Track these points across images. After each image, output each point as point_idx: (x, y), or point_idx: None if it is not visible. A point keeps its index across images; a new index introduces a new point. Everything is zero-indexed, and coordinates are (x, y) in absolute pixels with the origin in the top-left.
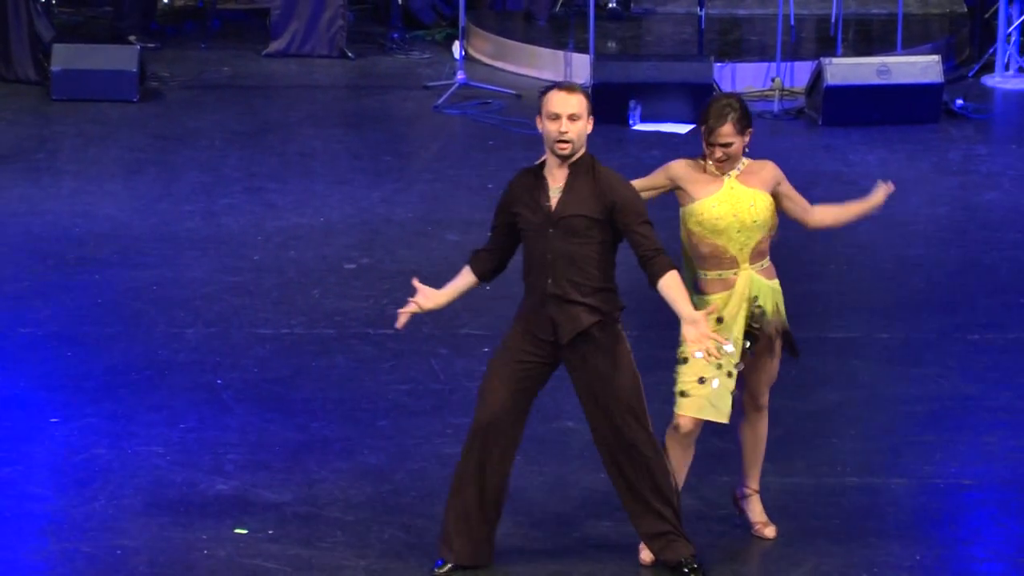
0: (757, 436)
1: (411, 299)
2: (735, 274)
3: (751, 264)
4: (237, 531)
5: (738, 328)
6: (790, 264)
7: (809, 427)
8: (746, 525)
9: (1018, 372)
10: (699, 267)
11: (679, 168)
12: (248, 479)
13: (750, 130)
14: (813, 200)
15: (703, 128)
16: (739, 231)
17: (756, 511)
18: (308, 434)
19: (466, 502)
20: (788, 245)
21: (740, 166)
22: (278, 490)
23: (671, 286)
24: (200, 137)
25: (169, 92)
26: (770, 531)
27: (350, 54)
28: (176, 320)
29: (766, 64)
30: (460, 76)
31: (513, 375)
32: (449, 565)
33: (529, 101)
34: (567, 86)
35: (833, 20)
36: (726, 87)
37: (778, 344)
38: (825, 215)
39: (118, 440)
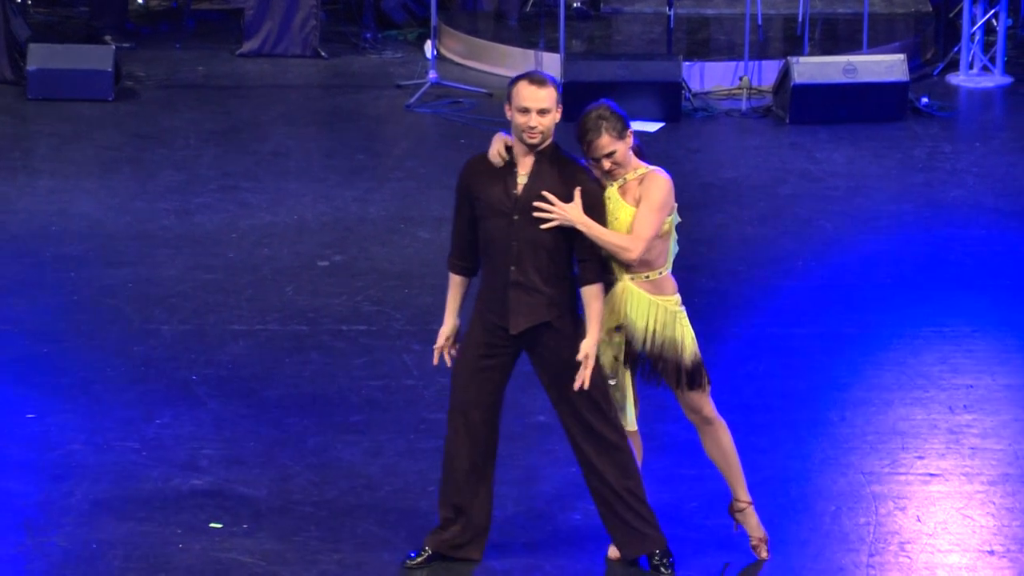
0: (721, 449)
1: (437, 344)
2: (614, 284)
3: (629, 274)
4: (212, 525)
5: (610, 340)
6: (757, 260)
7: (776, 422)
8: (720, 521)
9: (981, 364)
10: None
11: None
12: (223, 474)
13: (629, 132)
14: (779, 197)
15: (582, 146)
16: None
17: (751, 525)
18: (282, 429)
19: (461, 471)
20: (756, 240)
21: (631, 175)
22: (252, 485)
23: (588, 302)
24: (175, 136)
25: (144, 91)
26: (763, 552)
27: (323, 53)
28: (151, 317)
29: (734, 63)
30: (432, 75)
31: (479, 368)
32: (424, 555)
33: (500, 100)
34: (537, 79)
35: (800, 19)
36: (695, 86)
37: (674, 371)
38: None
39: (93, 436)
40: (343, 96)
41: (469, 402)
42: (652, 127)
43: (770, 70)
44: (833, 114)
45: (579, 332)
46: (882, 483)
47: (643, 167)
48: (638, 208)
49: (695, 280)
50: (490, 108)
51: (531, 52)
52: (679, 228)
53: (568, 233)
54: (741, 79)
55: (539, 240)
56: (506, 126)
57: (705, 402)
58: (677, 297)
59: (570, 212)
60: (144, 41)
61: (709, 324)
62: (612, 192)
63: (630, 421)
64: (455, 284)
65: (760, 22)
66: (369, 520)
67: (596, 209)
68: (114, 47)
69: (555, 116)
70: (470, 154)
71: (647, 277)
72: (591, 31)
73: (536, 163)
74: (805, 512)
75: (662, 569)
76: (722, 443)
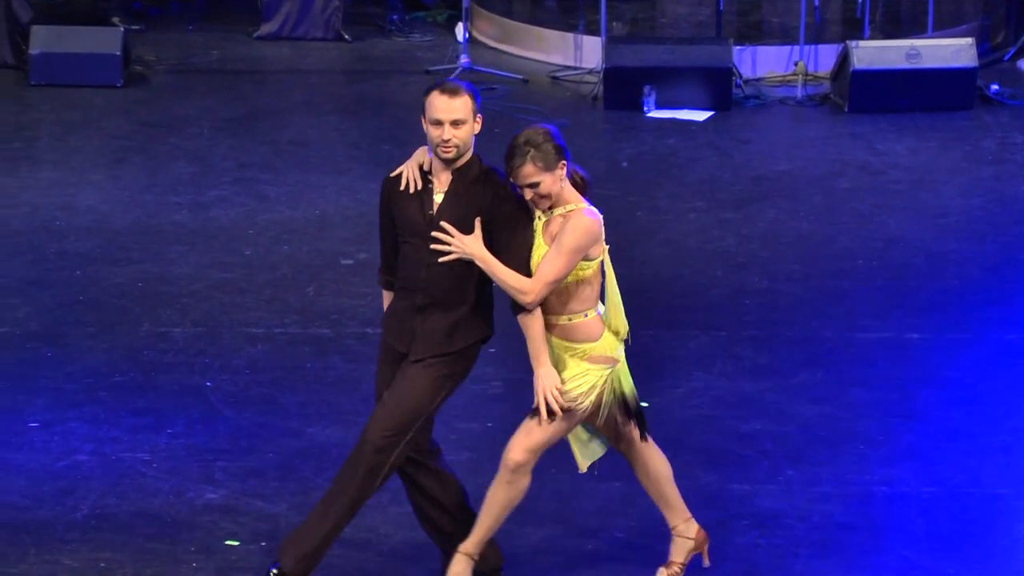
0: (646, 475)
1: None
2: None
3: (549, 316)
4: (228, 543)
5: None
6: (813, 259)
7: (836, 433)
8: (776, 541)
9: None
10: None
11: None
12: (239, 487)
13: (562, 163)
14: (836, 191)
15: (505, 169)
16: None
17: (672, 550)
18: (303, 440)
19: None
20: (812, 238)
21: (560, 210)
22: (271, 499)
23: (525, 333)
24: (187, 124)
25: (154, 77)
26: None
27: (347, 36)
28: (162, 319)
29: (788, 47)
30: (463, 60)
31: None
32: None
33: (537, 86)
34: (450, 88)
35: (860, 0)
36: (746, 71)
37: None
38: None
39: (101, 446)
40: (368, 82)
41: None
42: (700, 116)
43: (827, 55)
44: (895, 102)
45: (445, 368)
46: (948, 498)
47: (574, 203)
48: (549, 248)
49: (746, 279)
50: (526, 95)
51: (569, 35)
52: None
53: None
54: (796, 64)
55: (450, 265)
56: (543, 114)
57: (625, 430)
58: (586, 347)
59: (468, 245)
60: (154, 23)
61: (762, 327)
62: (538, 225)
63: (582, 458)
64: (387, 300)
65: (817, 3)
66: (396, 537)
67: (515, 234)
68: (122, 29)
69: (472, 127)
70: (503, 144)
71: (559, 320)
72: (635, 12)
73: (453, 181)
74: (865, 529)
75: None
76: (649, 467)
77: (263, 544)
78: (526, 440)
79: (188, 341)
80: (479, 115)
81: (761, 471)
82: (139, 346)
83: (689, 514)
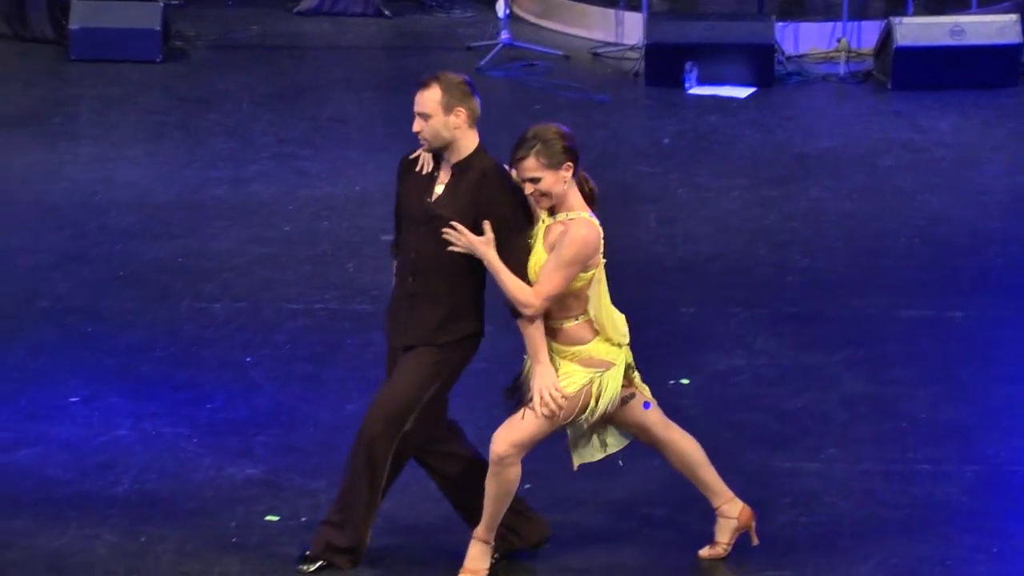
0: (679, 463)
1: None
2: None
3: (546, 321)
4: (268, 519)
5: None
6: (855, 237)
7: (878, 411)
8: (817, 520)
9: None
10: None
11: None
12: (279, 463)
13: (568, 165)
14: (879, 169)
15: (510, 160)
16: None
17: (717, 531)
18: (342, 416)
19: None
20: (854, 216)
21: (562, 216)
22: (311, 475)
23: (523, 334)
24: (227, 100)
25: (194, 52)
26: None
27: (387, 12)
28: (203, 294)
29: (831, 23)
30: (504, 36)
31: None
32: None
33: (578, 63)
34: (423, 80)
35: None
36: (788, 48)
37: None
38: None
39: (141, 421)
40: (408, 58)
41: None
42: (742, 93)
43: (871, 31)
44: (939, 79)
45: (436, 356)
46: (991, 477)
47: (577, 211)
48: (547, 259)
49: (789, 258)
50: (567, 72)
51: (611, 11)
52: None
53: (472, 259)
54: (839, 41)
55: (441, 257)
56: (584, 96)
57: (648, 421)
58: (575, 350)
59: (479, 246)
60: None
61: (804, 305)
62: (539, 229)
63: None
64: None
65: None
66: (434, 513)
67: (509, 238)
68: (162, 4)
69: (442, 120)
70: (544, 121)
71: (553, 324)
72: None
73: (452, 176)
74: (908, 508)
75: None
76: (681, 458)
77: (303, 520)
78: (509, 434)
79: (228, 316)
80: (460, 108)
81: (803, 449)
82: (179, 321)
83: (732, 494)
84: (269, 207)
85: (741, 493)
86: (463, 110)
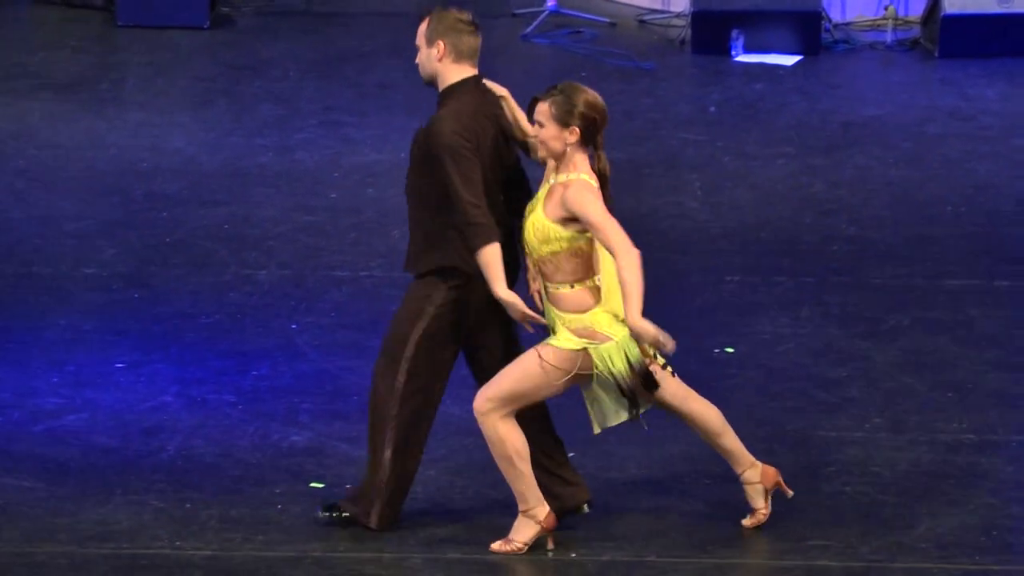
0: (700, 431)
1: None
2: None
3: (545, 281)
4: (313, 485)
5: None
6: (902, 205)
7: (923, 381)
8: (862, 489)
9: None
10: None
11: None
12: (324, 430)
13: (575, 130)
14: (926, 137)
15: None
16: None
17: (750, 498)
18: None
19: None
20: (901, 184)
21: (563, 176)
22: (356, 442)
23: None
24: (273, 67)
25: (241, 18)
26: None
27: None
28: (248, 261)
29: None
30: (550, 3)
31: None
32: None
33: (624, 30)
34: (423, 15)
35: None
36: (835, 15)
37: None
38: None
39: (187, 388)
40: None
41: None
42: (789, 61)
43: None
44: (986, 47)
45: (426, 291)
46: None
47: (577, 173)
48: (543, 217)
49: (835, 226)
50: (613, 39)
51: None
52: None
53: (436, 188)
54: (886, 9)
55: (412, 187)
56: (631, 64)
57: (667, 393)
58: (571, 318)
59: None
60: None
61: (850, 274)
62: (542, 191)
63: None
64: None
65: None
66: (480, 482)
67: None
68: None
69: (425, 52)
70: (592, 88)
71: (549, 287)
72: None
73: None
74: (953, 477)
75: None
76: (701, 426)
77: (347, 487)
78: (486, 388)
79: (273, 284)
80: (441, 41)
81: (848, 418)
82: (225, 288)
83: (752, 459)
84: (314, 174)
85: (785, 461)
86: (443, 43)
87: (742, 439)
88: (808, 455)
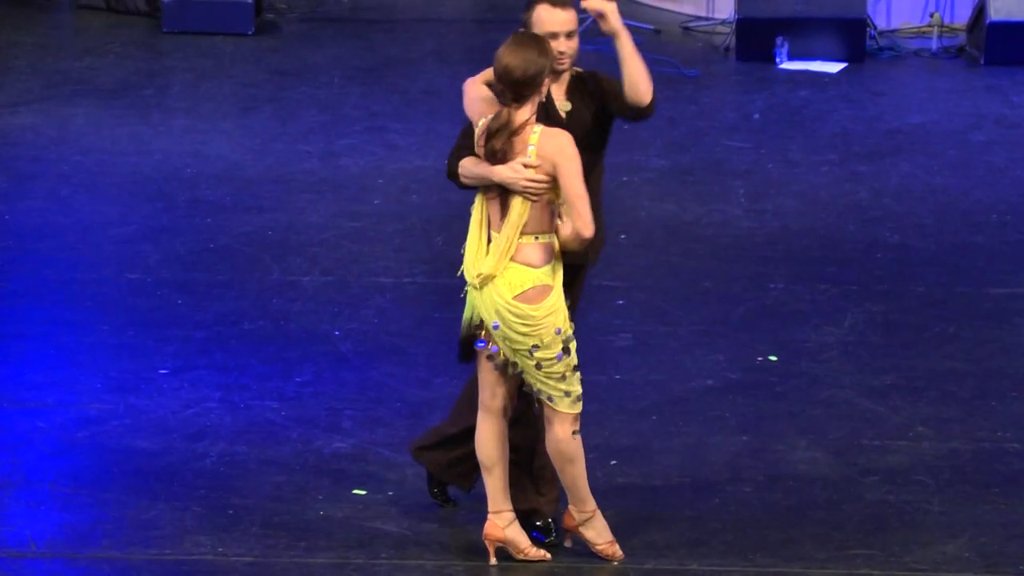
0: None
1: None
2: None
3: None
4: (355, 492)
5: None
6: (946, 213)
7: (967, 389)
8: (906, 498)
9: None
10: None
11: None
12: (367, 437)
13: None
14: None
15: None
16: None
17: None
18: (431, 390)
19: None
20: (945, 192)
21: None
22: (399, 449)
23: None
24: (318, 73)
25: (286, 25)
26: (618, 551)
27: None
28: (292, 267)
29: None
30: None
31: None
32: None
33: (668, 37)
34: (560, 2)
35: None
36: (880, 22)
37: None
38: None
39: (230, 393)
40: (499, 31)
41: None
42: (834, 68)
43: (964, 6)
44: None
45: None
46: None
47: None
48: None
49: (879, 234)
50: (658, 46)
51: None
52: None
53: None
54: (932, 16)
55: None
56: (676, 71)
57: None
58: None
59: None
60: None
61: (894, 282)
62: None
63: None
64: None
65: None
66: (524, 487)
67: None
68: None
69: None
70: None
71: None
72: None
73: (571, 89)
74: (997, 486)
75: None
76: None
77: (390, 494)
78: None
79: (317, 290)
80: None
81: (891, 426)
82: (268, 294)
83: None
84: (359, 181)
85: (828, 470)
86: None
87: (785, 448)
88: (851, 463)
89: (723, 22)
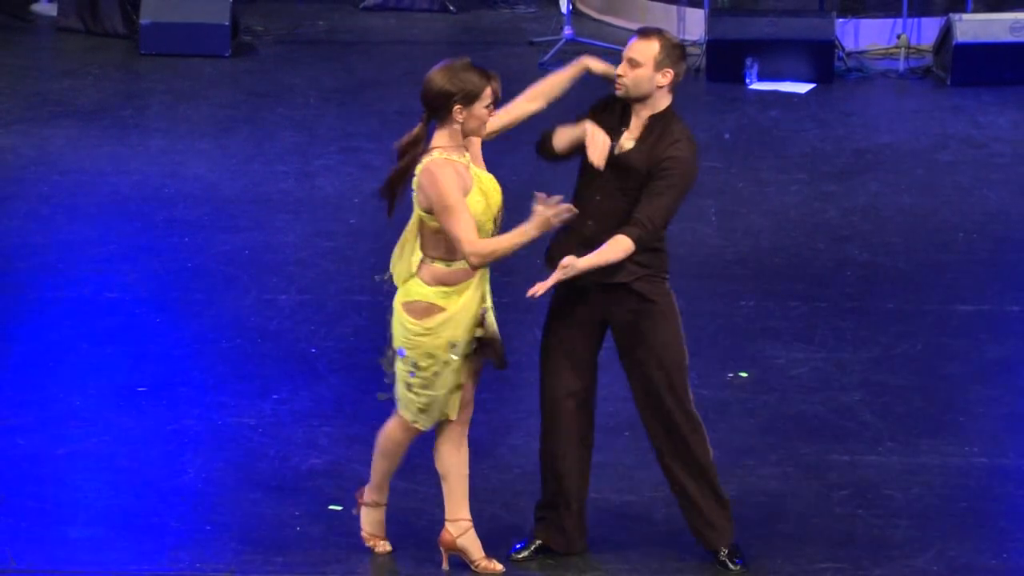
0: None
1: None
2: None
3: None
4: (332, 508)
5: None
6: (914, 232)
7: (935, 405)
8: (875, 512)
9: None
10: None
11: None
12: (343, 453)
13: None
14: (938, 165)
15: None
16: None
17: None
18: None
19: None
20: (913, 211)
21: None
22: None
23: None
24: (294, 94)
25: (262, 47)
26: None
27: (452, 7)
28: (268, 286)
29: (891, 20)
30: (567, 31)
31: (560, 339)
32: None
33: None
34: (645, 31)
35: None
36: (848, 44)
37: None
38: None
39: (208, 411)
40: (472, 53)
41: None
42: (803, 88)
43: (930, 28)
44: (998, 75)
45: (671, 307)
46: None
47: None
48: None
49: (848, 251)
50: None
51: (673, 8)
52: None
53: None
54: (899, 37)
55: (627, 206)
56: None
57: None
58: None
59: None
60: None
61: (863, 299)
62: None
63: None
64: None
65: None
66: (496, 504)
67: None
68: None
69: (649, 74)
70: None
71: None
72: None
73: (647, 128)
74: (965, 500)
75: (729, 566)
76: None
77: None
78: None
79: (294, 308)
80: (670, 70)
81: (861, 442)
82: (246, 313)
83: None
84: (335, 201)
85: (799, 485)
86: (671, 72)
87: (755, 463)
88: (821, 478)
89: (694, 43)
